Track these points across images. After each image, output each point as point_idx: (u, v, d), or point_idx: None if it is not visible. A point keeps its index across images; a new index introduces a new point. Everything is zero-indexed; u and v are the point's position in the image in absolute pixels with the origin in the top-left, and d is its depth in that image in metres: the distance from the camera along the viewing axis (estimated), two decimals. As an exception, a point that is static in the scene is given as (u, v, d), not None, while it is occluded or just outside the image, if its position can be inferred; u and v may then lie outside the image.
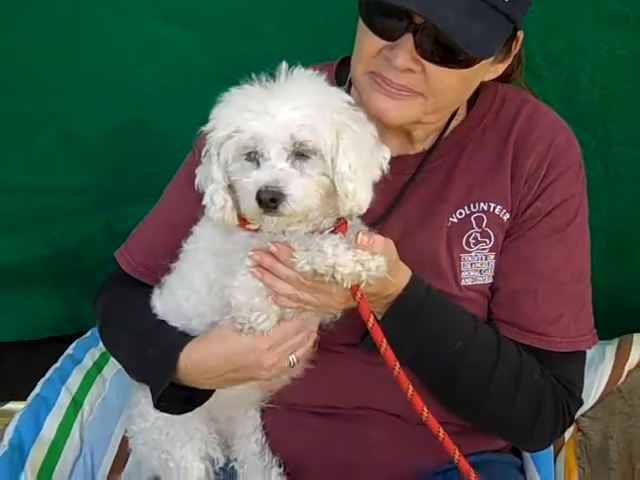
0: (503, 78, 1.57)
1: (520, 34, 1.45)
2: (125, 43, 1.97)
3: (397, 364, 1.35)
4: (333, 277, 1.26)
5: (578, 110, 1.94)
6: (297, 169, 1.29)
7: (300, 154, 1.29)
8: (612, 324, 1.74)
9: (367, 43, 1.40)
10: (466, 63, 1.37)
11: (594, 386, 2.00)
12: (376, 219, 1.49)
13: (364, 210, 1.34)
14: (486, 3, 1.32)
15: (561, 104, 1.89)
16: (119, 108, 2.05)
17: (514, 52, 1.48)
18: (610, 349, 2.06)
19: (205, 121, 1.61)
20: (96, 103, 2.03)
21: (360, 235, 1.29)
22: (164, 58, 2.01)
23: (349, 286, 1.28)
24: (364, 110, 1.38)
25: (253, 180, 1.28)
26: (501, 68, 1.49)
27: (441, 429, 1.38)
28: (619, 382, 2.01)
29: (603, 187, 1.91)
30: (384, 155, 1.37)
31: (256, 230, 1.37)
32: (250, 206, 1.29)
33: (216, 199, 1.35)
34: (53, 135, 2.05)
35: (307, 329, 1.43)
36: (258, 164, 1.29)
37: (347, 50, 1.62)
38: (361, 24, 1.42)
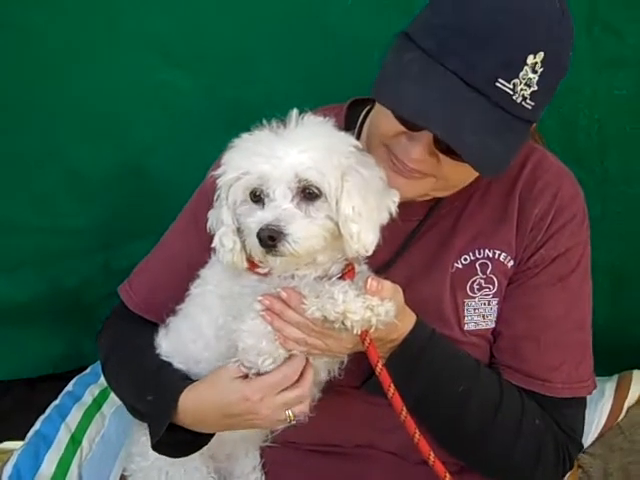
0: None
1: (534, 125, 1.43)
2: (125, 86, 1.99)
3: (404, 409, 1.36)
4: (343, 324, 1.27)
5: (576, 150, 1.97)
6: (302, 211, 1.30)
7: (306, 197, 1.30)
8: (611, 361, 1.76)
9: (386, 123, 1.40)
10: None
11: (594, 422, 2.02)
12: (382, 265, 1.50)
13: (370, 252, 1.35)
14: (512, 115, 1.31)
15: (560, 144, 1.92)
16: (119, 149, 2.06)
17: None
18: (610, 386, 2.08)
19: (203, 164, 1.65)
20: (96, 144, 2.03)
21: (370, 280, 1.29)
22: (163, 101, 2.02)
23: (359, 332, 1.29)
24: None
25: (256, 219, 1.29)
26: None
27: (447, 474, 1.38)
28: (619, 419, 2.02)
29: (601, 227, 1.91)
30: (393, 199, 1.38)
31: (265, 274, 1.38)
32: (253, 245, 1.30)
33: (225, 241, 1.36)
34: (54, 175, 2.06)
35: (304, 384, 1.41)
36: (264, 205, 1.31)
37: (345, 92, 1.66)
38: (378, 107, 1.42)
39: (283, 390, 1.40)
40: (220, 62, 1.99)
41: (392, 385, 1.35)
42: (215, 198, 1.40)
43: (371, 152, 1.44)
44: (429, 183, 1.43)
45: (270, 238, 1.25)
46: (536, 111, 1.34)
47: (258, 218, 1.29)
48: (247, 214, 1.33)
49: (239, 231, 1.36)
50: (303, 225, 1.28)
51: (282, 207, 1.28)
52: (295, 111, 1.34)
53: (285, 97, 1.83)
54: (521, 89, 1.29)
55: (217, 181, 1.38)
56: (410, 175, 1.41)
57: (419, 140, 1.36)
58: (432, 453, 1.38)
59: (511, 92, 1.29)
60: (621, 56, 1.89)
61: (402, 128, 1.37)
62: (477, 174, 1.41)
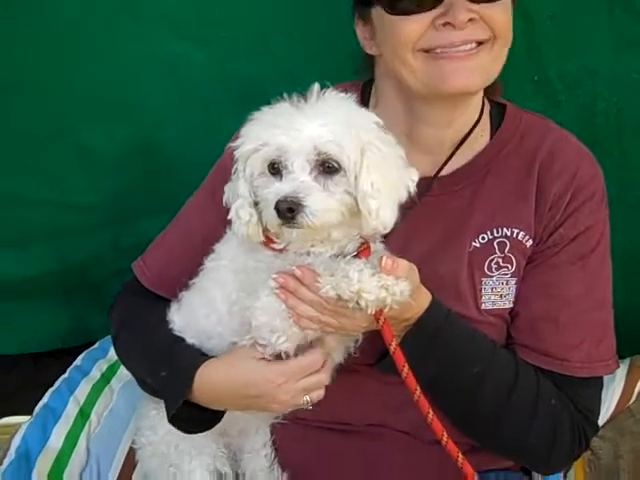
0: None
1: None
2: (138, 60, 1.96)
3: (418, 389, 1.36)
4: (357, 303, 1.26)
5: (594, 134, 1.93)
6: (320, 184, 1.29)
7: (324, 171, 1.29)
8: (624, 345, 1.74)
9: (410, 27, 1.39)
10: None
11: (605, 406, 1.99)
12: (400, 242, 1.48)
13: (388, 229, 1.34)
14: None
15: (578, 128, 1.86)
16: (131, 125, 2.04)
17: None
18: (621, 369, 2.06)
19: (215, 139, 1.63)
20: (108, 119, 2.02)
21: (384, 259, 1.28)
22: (175, 75, 2.00)
23: (373, 312, 1.28)
24: (393, 134, 1.38)
25: (274, 191, 1.28)
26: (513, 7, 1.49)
27: (460, 454, 1.39)
28: (630, 402, 2.02)
29: (618, 210, 1.90)
30: (412, 177, 1.36)
31: (280, 250, 1.36)
32: (270, 217, 1.29)
33: (242, 213, 1.35)
34: (64, 150, 2.04)
35: (325, 370, 1.42)
36: (282, 177, 1.29)
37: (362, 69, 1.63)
38: (391, 19, 1.42)
39: (306, 376, 1.41)
40: (233, 36, 1.97)
41: (406, 365, 1.35)
42: (233, 171, 1.39)
43: (407, 73, 1.43)
44: (486, 55, 1.42)
45: (289, 210, 1.25)
46: None
47: (276, 190, 1.28)
48: (264, 186, 1.32)
49: (256, 204, 1.35)
50: (321, 198, 1.27)
51: (300, 179, 1.27)
52: (317, 85, 1.32)
53: (299, 71, 1.82)
54: None
55: (234, 153, 1.36)
56: (468, 53, 1.40)
57: (453, 3, 1.37)
58: (445, 433, 1.38)
59: None
60: (641, 37, 1.86)
61: (426, 17, 1.38)
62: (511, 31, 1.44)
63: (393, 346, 1.34)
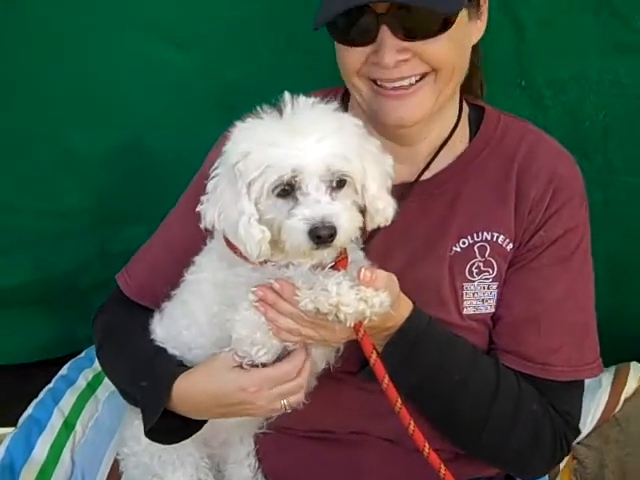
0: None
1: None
2: (125, 65, 1.96)
3: (399, 400, 1.35)
4: (336, 316, 1.25)
5: (580, 139, 1.95)
6: (335, 200, 1.29)
7: (334, 186, 1.29)
8: (609, 352, 1.74)
9: (350, 57, 1.43)
10: (444, 25, 1.39)
11: (590, 414, 2.01)
12: (381, 250, 1.49)
13: (389, 222, 1.37)
14: None
15: (564, 133, 1.88)
16: (116, 129, 2.04)
17: (484, 6, 1.49)
18: (607, 377, 2.07)
19: (203, 145, 1.62)
20: (93, 124, 2.01)
21: (363, 271, 1.27)
22: (163, 81, 2.00)
23: (352, 324, 1.27)
24: (366, 126, 1.39)
25: (302, 217, 1.25)
26: (482, 26, 1.51)
27: (442, 465, 1.38)
28: (615, 410, 2.01)
29: (603, 215, 1.91)
30: (389, 163, 1.39)
31: (260, 263, 1.35)
32: (301, 244, 1.26)
33: (254, 232, 1.29)
34: (49, 155, 2.04)
35: (302, 376, 1.41)
36: (294, 199, 1.27)
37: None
38: (337, 46, 1.46)
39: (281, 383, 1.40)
40: (220, 42, 1.97)
41: (387, 376, 1.34)
42: (209, 190, 1.35)
43: (355, 92, 1.47)
44: (430, 86, 1.43)
45: (330, 236, 1.24)
46: None
47: (303, 215, 1.25)
48: (276, 211, 1.29)
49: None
50: (347, 216, 1.28)
51: (324, 201, 1.26)
52: (287, 94, 1.31)
53: (285, 77, 1.82)
54: None
55: (211, 173, 1.34)
56: (407, 91, 1.41)
57: (381, 45, 1.38)
58: (427, 444, 1.37)
59: None
60: (628, 42, 1.86)
61: (364, 50, 1.40)
62: (467, 55, 1.46)
63: (373, 358, 1.34)
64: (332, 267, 1.33)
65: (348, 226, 1.27)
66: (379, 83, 1.42)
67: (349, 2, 1.35)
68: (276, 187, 1.27)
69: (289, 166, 1.25)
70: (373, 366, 1.34)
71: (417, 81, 1.41)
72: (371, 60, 1.40)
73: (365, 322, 1.29)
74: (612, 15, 1.84)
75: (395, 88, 1.41)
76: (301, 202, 1.26)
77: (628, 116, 1.93)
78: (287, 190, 1.28)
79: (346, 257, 1.36)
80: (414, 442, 1.37)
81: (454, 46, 1.42)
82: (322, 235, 1.24)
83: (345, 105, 1.61)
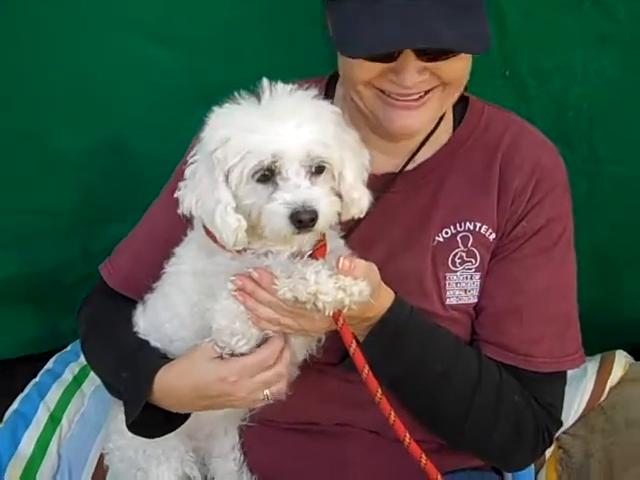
0: None
1: None
2: (108, 63, 1.95)
3: (379, 390, 1.35)
4: (315, 305, 1.25)
5: (565, 129, 1.95)
6: (314, 186, 1.29)
7: (313, 171, 1.29)
8: (594, 342, 1.74)
9: (363, 70, 1.39)
10: None
11: (575, 403, 2.01)
12: (363, 238, 1.49)
13: (364, 213, 1.37)
14: None
15: (548, 123, 1.89)
16: (99, 128, 2.03)
17: None
18: (592, 366, 2.07)
19: (186, 143, 1.61)
20: (77, 122, 2.00)
21: (342, 260, 1.27)
22: (145, 79, 1.99)
23: (331, 313, 1.27)
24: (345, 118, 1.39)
25: (282, 201, 1.25)
26: None
27: (423, 455, 1.38)
28: (601, 399, 2.02)
29: (587, 205, 1.91)
30: (367, 157, 1.39)
31: (239, 252, 1.35)
32: (281, 228, 1.26)
33: (230, 220, 1.29)
34: (32, 154, 2.02)
35: (282, 363, 1.41)
36: (273, 184, 1.27)
37: (330, 70, 1.61)
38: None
39: (260, 371, 1.40)
40: (204, 40, 1.96)
41: (366, 366, 1.34)
42: (187, 176, 1.35)
43: (357, 98, 1.44)
44: (436, 99, 1.42)
45: (311, 220, 1.24)
46: None
47: (284, 200, 1.25)
48: (254, 195, 1.29)
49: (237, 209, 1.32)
50: (327, 201, 1.28)
51: (304, 186, 1.26)
52: (266, 80, 1.31)
53: (270, 75, 1.80)
54: None
55: (190, 160, 1.34)
56: (417, 103, 1.40)
57: (403, 67, 1.35)
58: (408, 435, 1.37)
59: None
60: (611, 33, 1.86)
61: (380, 66, 1.36)
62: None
63: (353, 347, 1.34)
64: (311, 256, 1.33)
65: (328, 210, 1.28)
66: (388, 93, 1.40)
67: (388, 44, 1.31)
68: (256, 172, 1.27)
69: (269, 151, 1.25)
70: (353, 356, 1.34)
71: (426, 92, 1.40)
72: (389, 77, 1.38)
73: (344, 311, 1.28)
74: (595, 5, 1.84)
75: (404, 99, 1.40)
76: (281, 187, 1.26)
77: (612, 106, 1.93)
78: (267, 175, 1.28)
79: (324, 245, 1.36)
80: (395, 432, 1.37)
81: (468, 61, 1.42)
82: (303, 219, 1.24)
83: (327, 96, 1.59)
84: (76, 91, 1.97)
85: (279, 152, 1.25)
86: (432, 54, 1.34)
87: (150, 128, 2.05)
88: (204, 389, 1.42)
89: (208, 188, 1.30)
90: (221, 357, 1.40)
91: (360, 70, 1.39)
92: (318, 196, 1.26)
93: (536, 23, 1.88)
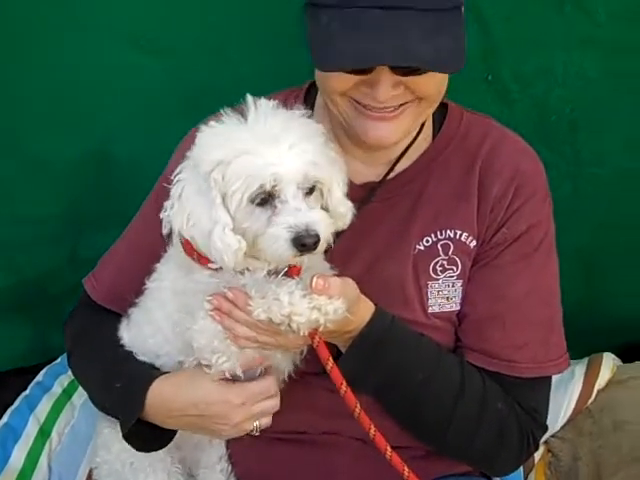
0: None
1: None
2: (92, 70, 1.95)
3: (357, 406, 1.35)
4: (289, 326, 1.25)
5: (548, 132, 1.96)
6: (308, 206, 1.29)
7: (306, 192, 1.29)
8: (581, 344, 1.75)
9: (337, 80, 1.38)
10: None
11: (563, 406, 2.02)
12: (344, 250, 1.49)
13: (347, 226, 1.39)
14: (443, 10, 1.31)
15: (531, 126, 1.91)
16: (84, 135, 2.02)
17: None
18: (579, 368, 2.07)
19: (171, 149, 1.61)
20: (60, 130, 2.00)
21: (315, 279, 1.27)
22: (129, 85, 1.98)
23: (306, 333, 1.27)
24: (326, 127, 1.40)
25: (286, 226, 1.25)
26: None
27: (406, 467, 1.39)
28: (588, 402, 2.02)
29: (572, 208, 1.91)
30: (345, 168, 1.40)
31: (217, 269, 1.35)
32: (284, 252, 1.25)
33: (230, 241, 1.27)
34: (16, 162, 2.02)
35: (277, 396, 1.44)
36: (273, 208, 1.27)
37: (312, 76, 1.62)
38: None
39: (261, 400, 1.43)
40: (187, 45, 1.95)
41: (344, 383, 1.35)
42: (176, 196, 1.33)
43: (332, 107, 1.44)
44: (412, 112, 1.42)
45: (314, 243, 1.25)
46: None
47: (286, 224, 1.25)
48: (255, 219, 1.28)
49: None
50: (327, 223, 1.29)
51: (302, 208, 1.26)
52: (249, 97, 1.30)
53: (253, 81, 1.81)
54: None
55: (173, 180, 1.33)
56: (391, 115, 1.40)
57: (377, 80, 1.35)
58: (389, 447, 1.38)
59: None
60: (592, 36, 1.86)
61: (355, 78, 1.36)
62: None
63: (329, 365, 1.34)
64: (286, 274, 1.33)
65: (327, 232, 1.28)
66: (363, 104, 1.40)
67: (359, 59, 1.30)
68: (256, 196, 1.27)
69: (270, 175, 1.25)
70: (330, 373, 1.35)
71: (401, 105, 1.40)
72: (362, 89, 1.38)
73: (320, 329, 1.29)
74: (576, 9, 1.84)
75: (379, 111, 1.40)
76: (281, 210, 1.26)
77: (594, 108, 1.94)
78: (265, 199, 1.27)
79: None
80: (376, 446, 1.38)
81: (443, 78, 1.41)
82: (307, 243, 1.24)
83: (308, 105, 1.59)
84: (59, 99, 1.97)
85: (279, 176, 1.25)
86: (407, 69, 1.33)
87: (134, 135, 2.04)
88: (204, 407, 1.43)
89: (202, 209, 1.29)
90: (224, 381, 1.41)
91: (335, 81, 1.39)
92: (319, 219, 1.27)
93: (517, 27, 1.89)
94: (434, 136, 1.59)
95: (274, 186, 1.25)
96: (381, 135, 1.42)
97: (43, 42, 1.90)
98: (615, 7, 1.83)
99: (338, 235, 1.46)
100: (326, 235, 1.28)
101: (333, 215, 1.35)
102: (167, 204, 1.35)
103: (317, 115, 1.58)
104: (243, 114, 1.30)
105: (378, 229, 1.55)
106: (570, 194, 1.99)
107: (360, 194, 1.51)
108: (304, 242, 1.24)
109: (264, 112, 1.30)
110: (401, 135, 1.45)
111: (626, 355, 2.17)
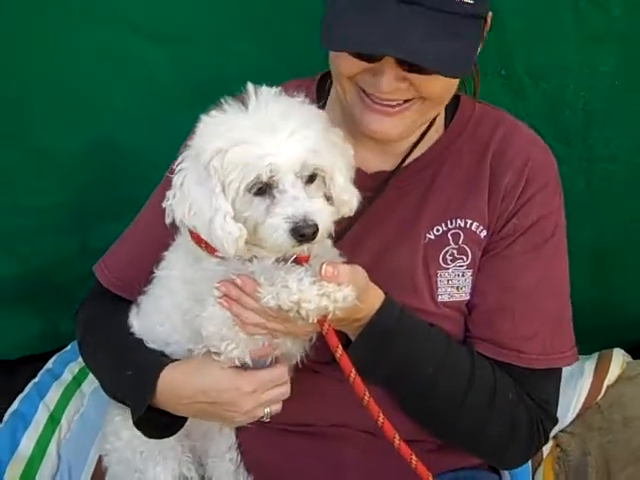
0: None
1: (489, 16, 1.44)
2: (96, 60, 1.95)
3: (366, 394, 1.35)
4: (298, 312, 1.25)
5: (561, 126, 1.94)
6: (308, 195, 1.28)
7: (306, 180, 1.29)
8: (591, 340, 1.74)
9: (345, 63, 1.39)
10: None
11: (573, 401, 2.01)
12: (355, 237, 1.49)
13: (353, 212, 1.38)
14: (457, 14, 1.32)
15: (544, 120, 1.90)
16: (90, 125, 2.03)
17: (486, 31, 1.46)
18: (589, 364, 2.06)
19: (178, 139, 1.61)
20: (66, 120, 2.00)
21: (324, 266, 1.27)
22: (136, 75, 1.98)
23: (315, 320, 1.27)
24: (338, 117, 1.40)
25: (284, 216, 1.25)
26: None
27: (414, 456, 1.39)
28: (598, 398, 2.01)
29: (585, 203, 1.90)
30: (351, 153, 1.39)
31: (224, 257, 1.35)
32: (283, 242, 1.25)
33: (231, 229, 1.27)
34: (22, 153, 2.03)
35: (287, 384, 1.45)
36: (270, 196, 1.27)
37: (319, 66, 1.62)
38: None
39: (272, 388, 1.44)
40: (191, 34, 1.95)
41: (353, 370, 1.35)
42: (178, 184, 1.33)
43: (341, 92, 1.45)
44: (414, 111, 1.41)
45: (313, 233, 1.24)
46: (479, 5, 1.35)
47: (284, 214, 1.24)
48: (252, 209, 1.28)
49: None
50: (325, 210, 1.28)
51: (300, 197, 1.26)
52: (250, 85, 1.30)
53: (258, 70, 1.81)
54: None
55: (177, 169, 1.33)
56: (393, 111, 1.40)
57: (383, 71, 1.35)
58: (397, 436, 1.38)
59: None
60: (606, 30, 1.85)
61: (362, 64, 1.36)
62: (456, 83, 1.43)
63: (339, 353, 1.34)
64: (294, 261, 1.32)
65: (326, 221, 1.28)
66: (367, 93, 1.40)
67: (362, 45, 1.31)
68: (253, 185, 1.27)
69: (267, 165, 1.24)
70: (339, 361, 1.35)
71: (405, 101, 1.40)
72: (367, 77, 1.38)
73: (329, 317, 1.29)
74: (590, 3, 1.82)
75: (381, 104, 1.40)
76: (279, 200, 1.26)
77: (608, 103, 1.92)
78: (263, 188, 1.27)
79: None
80: (384, 434, 1.38)
81: (450, 83, 1.41)
82: (306, 233, 1.24)
83: (321, 94, 1.61)
84: (64, 88, 1.97)
85: (275, 166, 1.25)
86: (411, 65, 1.33)
87: (140, 124, 2.03)
88: (215, 395, 1.44)
89: (203, 197, 1.29)
90: (234, 368, 1.42)
91: (343, 64, 1.39)
92: (317, 208, 1.26)
93: (531, 21, 1.87)
94: (446, 127, 1.59)
95: (271, 176, 1.25)
96: (382, 129, 1.42)
97: (46, 32, 1.90)
98: (629, 2, 1.81)
99: (349, 224, 1.47)
100: (326, 224, 1.27)
101: (336, 202, 1.34)
102: (169, 193, 1.35)
103: (330, 105, 1.59)
104: (244, 102, 1.30)
105: (389, 217, 1.55)
106: (583, 190, 1.97)
107: (371, 183, 1.51)
108: (302, 232, 1.24)
109: (265, 100, 1.30)
110: (402, 132, 1.45)
111: (636, 351, 2.15)
